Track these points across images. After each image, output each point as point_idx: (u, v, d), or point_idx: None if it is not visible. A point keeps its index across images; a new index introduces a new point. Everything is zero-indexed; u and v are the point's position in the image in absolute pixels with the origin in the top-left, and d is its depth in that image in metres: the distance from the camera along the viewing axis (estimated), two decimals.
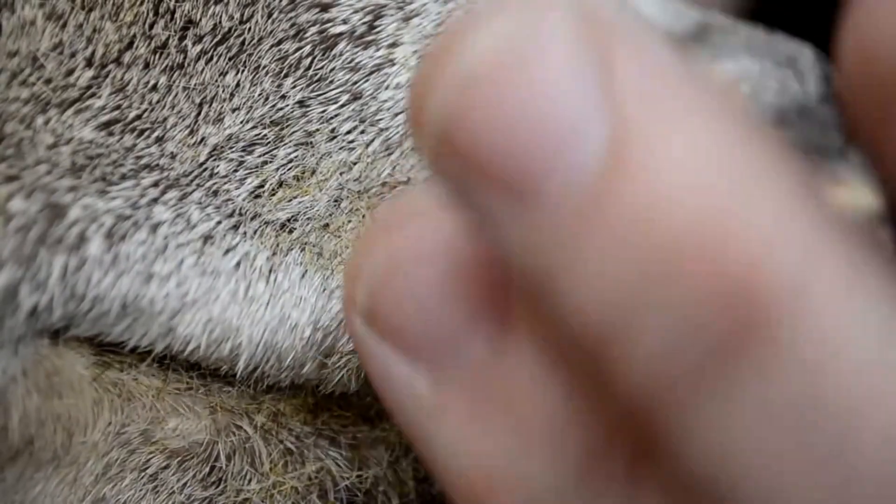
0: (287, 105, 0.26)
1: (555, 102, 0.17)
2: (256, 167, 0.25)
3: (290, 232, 0.25)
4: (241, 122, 0.25)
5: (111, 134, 0.25)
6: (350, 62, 0.26)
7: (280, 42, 0.26)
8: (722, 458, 0.16)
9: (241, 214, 0.25)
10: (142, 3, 0.25)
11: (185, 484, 0.25)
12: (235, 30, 0.26)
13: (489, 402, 0.19)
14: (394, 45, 0.27)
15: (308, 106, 0.26)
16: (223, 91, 0.26)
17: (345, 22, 0.26)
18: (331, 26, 0.26)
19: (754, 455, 0.16)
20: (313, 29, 0.26)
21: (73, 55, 0.25)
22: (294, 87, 0.26)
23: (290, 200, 0.25)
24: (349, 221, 0.26)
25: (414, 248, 0.20)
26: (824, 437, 0.16)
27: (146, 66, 0.25)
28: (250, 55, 0.26)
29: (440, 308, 0.20)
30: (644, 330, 0.16)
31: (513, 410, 0.19)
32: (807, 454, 0.16)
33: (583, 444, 0.18)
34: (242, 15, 0.26)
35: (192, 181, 0.25)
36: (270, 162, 0.25)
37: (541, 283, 0.17)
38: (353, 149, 0.26)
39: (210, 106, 0.25)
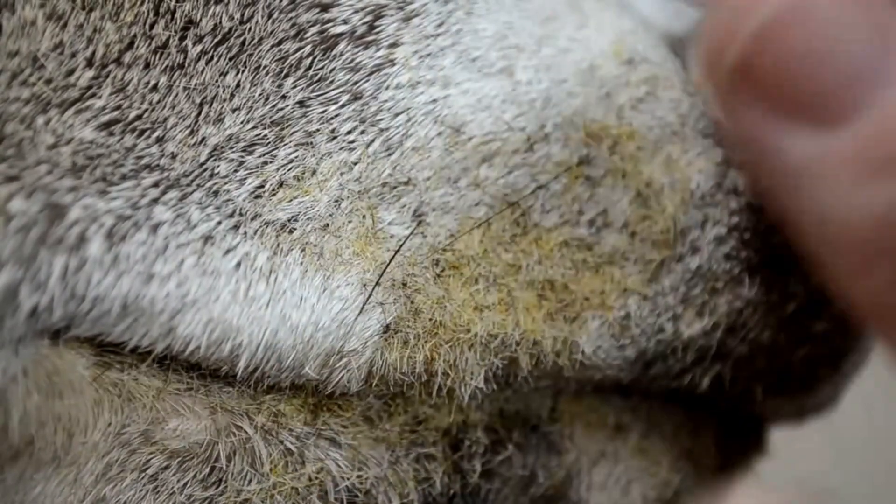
0: (287, 105, 0.26)
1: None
2: (257, 167, 0.25)
3: (291, 232, 0.25)
4: (242, 123, 0.25)
5: (111, 134, 0.25)
6: (350, 62, 0.26)
7: (280, 42, 0.26)
8: None
9: (241, 215, 0.25)
10: (142, 4, 0.25)
11: (185, 484, 0.25)
12: (236, 30, 0.26)
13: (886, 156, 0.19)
14: (394, 45, 0.27)
15: (308, 106, 0.26)
16: (223, 91, 0.26)
17: (345, 22, 0.26)
18: (331, 26, 0.26)
19: None
20: (314, 29, 0.26)
21: (73, 55, 0.25)
22: (294, 87, 0.26)
23: (290, 201, 0.25)
24: (349, 221, 0.26)
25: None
26: None
27: (147, 66, 0.25)
28: (251, 55, 0.26)
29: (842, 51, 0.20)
30: None
31: None
32: None
33: None
34: (243, 15, 0.26)
35: (192, 181, 0.25)
36: (271, 162, 0.25)
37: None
38: (354, 149, 0.26)
39: (210, 106, 0.25)
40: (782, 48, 0.20)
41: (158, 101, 0.25)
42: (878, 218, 0.19)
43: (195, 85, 0.25)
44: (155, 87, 0.25)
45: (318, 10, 0.26)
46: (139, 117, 0.25)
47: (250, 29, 0.26)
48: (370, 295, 0.25)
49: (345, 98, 0.26)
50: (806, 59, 0.19)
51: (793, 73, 0.20)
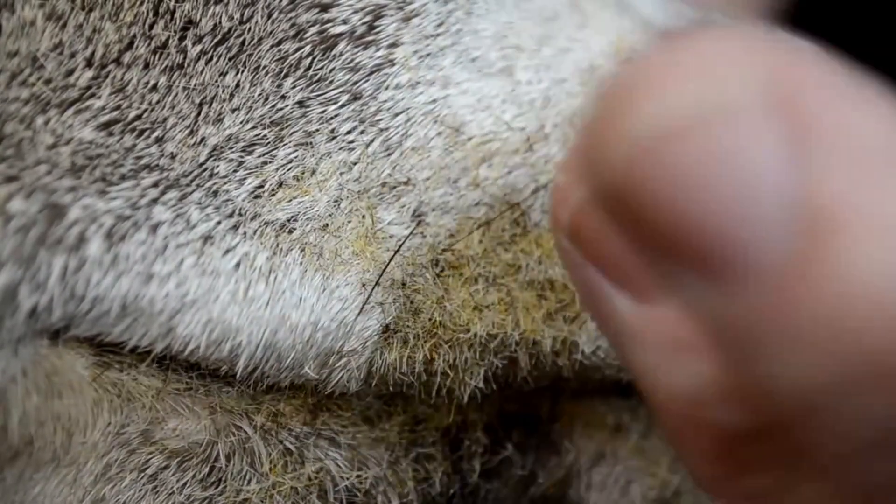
0: (287, 105, 0.26)
1: (751, 173, 0.16)
2: (256, 167, 0.25)
3: (290, 232, 0.25)
4: (241, 123, 0.25)
5: (111, 134, 0.25)
6: (350, 62, 0.26)
7: (280, 42, 0.26)
8: None
9: (240, 215, 0.25)
10: (142, 4, 0.25)
11: (184, 484, 0.25)
12: (235, 30, 0.26)
13: (687, 338, 0.18)
14: (394, 45, 0.27)
15: (308, 106, 0.26)
16: (223, 91, 0.26)
17: (345, 22, 0.26)
18: (331, 26, 0.26)
19: None
20: (313, 29, 0.26)
21: (72, 55, 0.25)
22: (294, 87, 0.26)
23: (289, 201, 0.25)
24: (349, 221, 0.26)
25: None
26: None
27: (146, 66, 0.25)
28: (250, 55, 0.26)
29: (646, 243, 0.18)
30: (841, 416, 0.16)
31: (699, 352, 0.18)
32: None
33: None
34: (242, 15, 0.26)
35: (191, 181, 0.25)
36: (270, 162, 0.25)
37: (733, 341, 0.17)
38: (353, 149, 0.26)
39: (210, 106, 0.25)
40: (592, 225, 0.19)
41: (158, 102, 0.25)
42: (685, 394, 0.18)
43: (195, 85, 0.25)
44: (154, 88, 0.25)
45: (317, 10, 0.26)
46: (139, 117, 0.25)
47: (250, 29, 0.26)
48: (370, 295, 0.25)
49: (344, 98, 0.26)
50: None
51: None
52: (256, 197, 0.25)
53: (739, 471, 0.18)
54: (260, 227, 0.25)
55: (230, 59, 0.26)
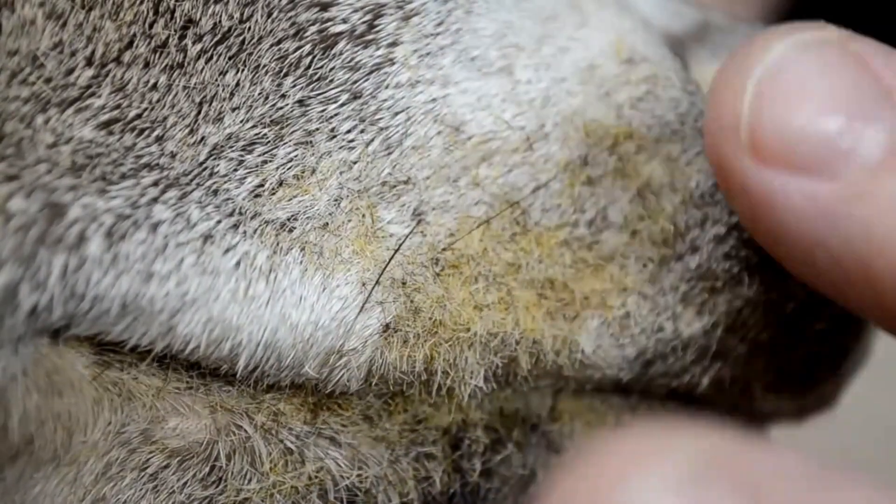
0: (287, 104, 0.26)
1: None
2: (256, 166, 0.25)
3: (290, 231, 0.25)
4: (241, 122, 0.25)
5: (111, 133, 0.25)
6: (350, 61, 0.26)
7: (280, 41, 0.26)
8: None
9: (240, 213, 0.25)
10: (142, 2, 0.25)
11: (185, 483, 0.25)
12: (235, 29, 0.26)
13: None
14: (393, 44, 0.27)
15: (308, 105, 0.26)
16: (223, 90, 0.26)
17: (344, 21, 0.26)
18: (331, 25, 0.26)
19: None
20: (313, 28, 0.26)
21: (73, 54, 0.25)
22: (294, 86, 0.26)
23: (290, 199, 0.25)
24: (349, 220, 0.26)
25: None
26: None
27: (146, 65, 0.25)
28: (250, 54, 0.26)
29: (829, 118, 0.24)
30: None
31: None
32: None
33: None
34: (242, 14, 0.26)
35: (191, 180, 0.25)
36: (270, 161, 0.25)
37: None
38: (353, 148, 0.26)
39: (210, 105, 0.25)
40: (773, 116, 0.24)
41: (158, 100, 0.25)
42: None
43: (195, 84, 0.25)
44: (154, 86, 0.25)
45: (317, 9, 0.26)
46: (139, 116, 0.25)
47: (250, 28, 0.26)
48: (370, 294, 0.25)
49: (344, 97, 0.26)
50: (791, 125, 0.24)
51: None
52: (256, 196, 0.25)
53: None
54: (260, 225, 0.25)
55: (230, 58, 0.26)
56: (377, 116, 0.26)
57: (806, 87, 0.24)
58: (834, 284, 0.25)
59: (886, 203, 0.23)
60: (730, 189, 0.25)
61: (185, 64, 0.25)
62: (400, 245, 0.26)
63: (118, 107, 0.25)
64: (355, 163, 0.26)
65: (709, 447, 0.18)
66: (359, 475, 0.26)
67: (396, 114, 0.26)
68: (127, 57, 0.25)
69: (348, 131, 0.26)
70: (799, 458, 0.19)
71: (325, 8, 0.26)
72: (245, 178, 0.25)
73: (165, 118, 0.25)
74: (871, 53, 0.25)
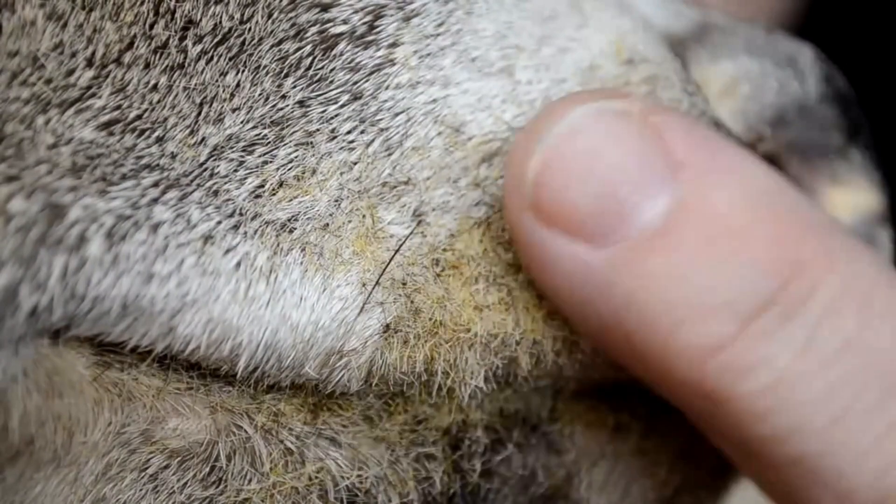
0: (287, 105, 0.26)
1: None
2: (257, 167, 0.25)
3: (291, 232, 0.25)
4: (242, 122, 0.25)
5: (111, 134, 0.25)
6: (350, 62, 0.26)
7: (280, 42, 0.26)
8: None
9: (241, 214, 0.25)
10: (142, 3, 0.25)
11: (185, 484, 0.25)
12: (236, 30, 0.26)
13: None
14: (394, 45, 0.27)
15: (308, 106, 0.26)
16: (223, 91, 0.26)
17: (345, 22, 0.26)
18: (331, 26, 0.26)
19: None
20: (313, 29, 0.26)
21: (73, 55, 0.25)
22: (294, 87, 0.26)
23: (290, 200, 0.25)
24: (349, 221, 0.26)
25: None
26: None
27: (146, 66, 0.25)
28: (250, 55, 0.26)
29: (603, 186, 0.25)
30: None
31: None
32: None
33: None
34: (243, 15, 0.26)
35: (192, 181, 0.25)
36: (271, 162, 0.25)
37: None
38: (354, 149, 0.26)
39: (210, 106, 0.25)
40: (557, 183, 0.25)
41: (158, 101, 0.25)
42: None
43: (195, 85, 0.25)
44: (155, 87, 0.25)
45: (317, 9, 0.26)
46: (139, 117, 0.25)
47: (250, 29, 0.26)
48: (370, 294, 0.25)
49: (345, 98, 0.26)
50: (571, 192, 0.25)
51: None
52: (257, 196, 0.25)
53: None
54: (260, 226, 0.25)
55: (230, 59, 0.26)
56: (378, 117, 0.26)
57: (591, 155, 0.25)
58: (607, 348, 0.26)
59: (648, 278, 0.24)
60: (515, 243, 0.26)
61: (186, 65, 0.25)
62: (400, 246, 0.26)
63: (118, 108, 0.25)
64: (356, 163, 0.26)
65: None
66: (359, 475, 0.26)
67: (397, 114, 0.26)
68: (127, 58, 0.25)
69: (349, 132, 0.26)
70: None
71: (325, 9, 0.26)
72: (245, 178, 0.25)
73: (166, 119, 0.25)
74: (671, 127, 0.25)
